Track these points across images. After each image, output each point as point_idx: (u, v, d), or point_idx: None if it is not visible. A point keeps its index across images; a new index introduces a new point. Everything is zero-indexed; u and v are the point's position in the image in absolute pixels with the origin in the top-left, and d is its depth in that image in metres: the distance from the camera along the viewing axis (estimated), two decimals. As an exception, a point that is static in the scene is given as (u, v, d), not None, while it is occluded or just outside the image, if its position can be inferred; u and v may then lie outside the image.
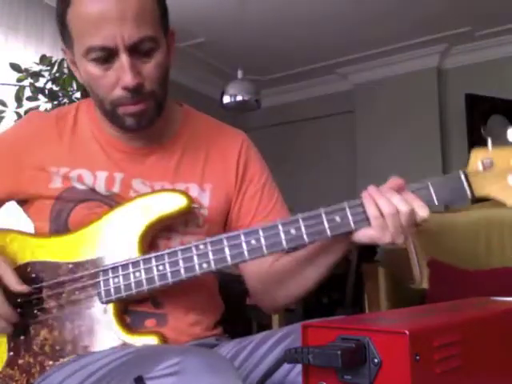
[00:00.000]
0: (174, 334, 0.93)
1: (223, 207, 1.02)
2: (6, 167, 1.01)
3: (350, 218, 0.83)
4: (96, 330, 0.89)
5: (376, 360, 0.52)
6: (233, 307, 1.23)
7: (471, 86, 4.44)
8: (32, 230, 1.02)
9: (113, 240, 0.92)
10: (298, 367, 0.66)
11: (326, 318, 0.70)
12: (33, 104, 2.73)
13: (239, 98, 3.64)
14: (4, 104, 2.72)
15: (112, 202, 0.96)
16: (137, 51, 0.88)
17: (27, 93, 2.75)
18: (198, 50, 4.73)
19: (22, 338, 0.92)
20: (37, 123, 1.04)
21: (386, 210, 0.81)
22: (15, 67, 2.75)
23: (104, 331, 0.89)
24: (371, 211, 0.82)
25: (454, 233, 2.44)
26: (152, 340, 0.87)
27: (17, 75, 2.75)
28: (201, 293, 0.99)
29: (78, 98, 2.69)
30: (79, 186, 0.97)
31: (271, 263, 1.01)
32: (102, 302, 0.89)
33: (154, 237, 0.95)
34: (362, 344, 0.53)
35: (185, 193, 0.94)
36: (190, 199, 0.92)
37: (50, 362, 0.89)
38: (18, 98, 2.72)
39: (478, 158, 0.83)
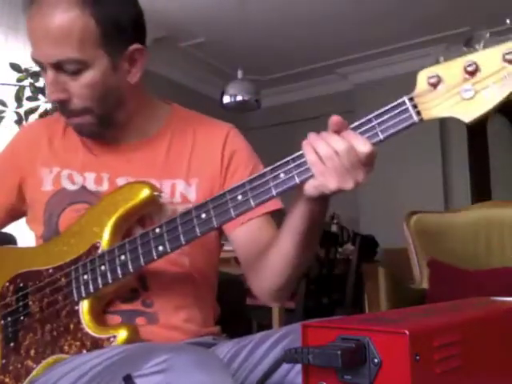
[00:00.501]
0: (167, 331, 0.93)
1: None
2: (11, 178, 1.04)
3: (294, 171, 0.78)
4: (71, 330, 0.89)
5: (376, 360, 0.52)
6: (233, 307, 1.23)
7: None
8: (30, 235, 1.04)
9: (86, 239, 0.93)
10: (297, 367, 0.65)
11: (325, 318, 0.70)
12: (33, 104, 2.74)
13: (239, 98, 3.64)
14: (4, 104, 2.72)
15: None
16: (63, 69, 0.89)
17: (27, 93, 2.76)
18: (198, 50, 4.73)
19: (12, 344, 0.93)
20: (30, 132, 1.09)
21: (324, 152, 0.75)
22: (15, 67, 2.75)
23: (77, 330, 0.89)
24: (310, 158, 0.77)
25: (453, 233, 2.44)
26: (123, 333, 0.85)
27: (17, 75, 2.75)
28: (189, 290, 0.98)
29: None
30: (69, 187, 0.99)
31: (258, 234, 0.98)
32: (75, 300, 0.90)
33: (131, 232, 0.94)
34: (362, 344, 0.53)
35: (146, 182, 0.93)
36: (152, 188, 0.92)
37: (34, 365, 0.90)
38: (18, 98, 2.72)
39: (424, 78, 0.72)
